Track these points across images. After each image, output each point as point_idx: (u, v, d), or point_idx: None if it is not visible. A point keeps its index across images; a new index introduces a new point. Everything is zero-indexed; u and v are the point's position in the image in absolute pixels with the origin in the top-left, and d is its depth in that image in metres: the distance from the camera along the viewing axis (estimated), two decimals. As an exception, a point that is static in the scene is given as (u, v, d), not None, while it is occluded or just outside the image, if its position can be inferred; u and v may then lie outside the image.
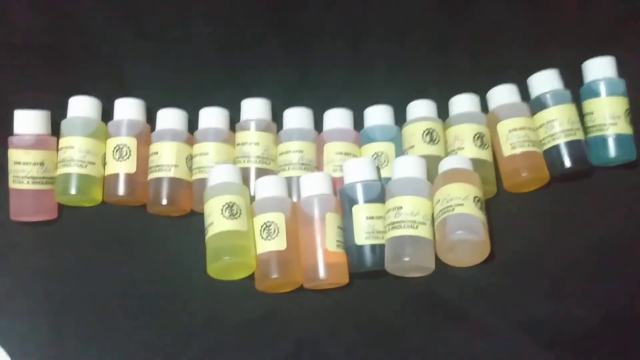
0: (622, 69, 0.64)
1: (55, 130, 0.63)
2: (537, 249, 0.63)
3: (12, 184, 0.62)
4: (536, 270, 0.62)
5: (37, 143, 0.62)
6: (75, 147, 0.62)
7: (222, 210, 0.58)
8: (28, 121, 0.62)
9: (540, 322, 0.60)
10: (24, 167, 0.61)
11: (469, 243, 0.57)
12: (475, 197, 0.58)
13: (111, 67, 0.69)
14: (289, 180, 0.63)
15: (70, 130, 0.63)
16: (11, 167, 0.62)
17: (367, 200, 0.60)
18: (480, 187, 0.59)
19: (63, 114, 0.64)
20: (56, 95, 0.65)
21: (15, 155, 0.61)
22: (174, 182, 0.62)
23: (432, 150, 0.63)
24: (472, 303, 0.61)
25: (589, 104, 0.63)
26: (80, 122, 0.63)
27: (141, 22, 0.70)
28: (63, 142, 0.63)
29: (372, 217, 0.59)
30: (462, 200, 0.57)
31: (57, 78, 0.68)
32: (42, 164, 0.62)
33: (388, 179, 0.62)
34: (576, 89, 0.64)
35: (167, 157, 0.62)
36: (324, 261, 0.58)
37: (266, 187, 0.61)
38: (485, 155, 0.63)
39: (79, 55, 0.69)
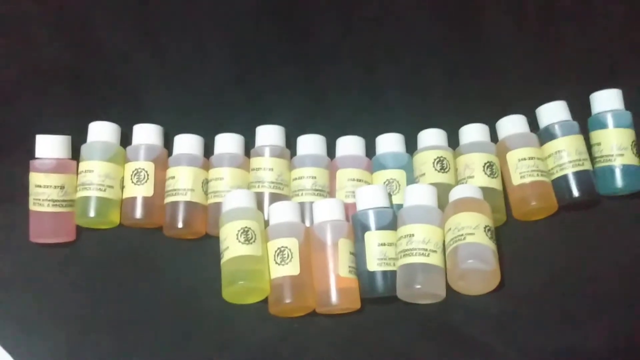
0: (629, 101, 0.65)
1: (75, 154, 0.65)
2: (546, 277, 0.63)
3: (33, 207, 0.63)
4: (545, 299, 0.62)
5: (58, 167, 0.63)
6: (94, 171, 0.63)
7: (237, 235, 0.59)
8: (49, 145, 0.63)
9: (550, 351, 0.60)
10: (45, 190, 0.62)
11: (479, 272, 0.58)
12: (485, 227, 0.59)
13: (130, 93, 0.70)
14: (302, 205, 0.64)
15: (90, 155, 0.64)
16: (32, 190, 0.63)
17: (379, 227, 0.61)
18: (490, 217, 0.60)
19: (83, 139, 0.65)
20: (76, 120, 0.66)
21: (36, 178, 0.63)
22: (190, 205, 0.63)
23: (443, 178, 0.64)
24: (482, 331, 0.61)
25: (597, 135, 0.64)
26: (100, 147, 0.64)
27: (159, 48, 0.71)
28: (83, 165, 0.64)
29: (384, 244, 0.60)
30: (473, 229, 0.58)
31: (77, 103, 0.69)
32: (62, 187, 0.63)
33: (399, 206, 0.63)
34: (584, 120, 0.65)
35: (183, 182, 0.64)
36: (336, 286, 0.59)
37: (280, 213, 0.62)
38: (494, 184, 0.64)
39: (99, 81, 0.70)
